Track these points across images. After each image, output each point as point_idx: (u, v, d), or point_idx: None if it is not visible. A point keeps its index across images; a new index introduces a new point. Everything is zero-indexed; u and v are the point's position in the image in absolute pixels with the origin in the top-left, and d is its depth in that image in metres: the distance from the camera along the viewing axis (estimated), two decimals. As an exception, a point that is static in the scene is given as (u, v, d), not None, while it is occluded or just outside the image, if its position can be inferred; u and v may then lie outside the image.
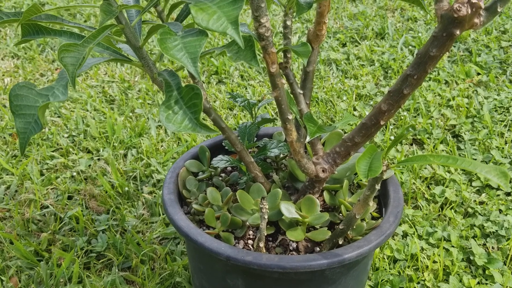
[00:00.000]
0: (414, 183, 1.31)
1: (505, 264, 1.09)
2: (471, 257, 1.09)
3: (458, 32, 0.60)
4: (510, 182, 1.31)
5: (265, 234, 0.77)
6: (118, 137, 1.50)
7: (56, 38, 0.69)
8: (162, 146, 1.49)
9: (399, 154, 1.42)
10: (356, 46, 2.09)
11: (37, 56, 2.03)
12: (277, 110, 0.81)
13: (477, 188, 1.30)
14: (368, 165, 0.63)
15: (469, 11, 0.58)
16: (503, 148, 1.42)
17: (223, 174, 0.97)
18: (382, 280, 1.05)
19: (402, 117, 1.57)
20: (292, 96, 0.84)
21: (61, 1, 2.57)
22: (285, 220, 0.82)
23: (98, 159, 1.44)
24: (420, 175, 1.34)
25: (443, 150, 1.44)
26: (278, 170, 0.97)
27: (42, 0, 2.57)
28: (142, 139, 1.50)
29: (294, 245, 0.82)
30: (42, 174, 1.39)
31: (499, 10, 0.59)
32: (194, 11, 0.51)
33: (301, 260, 0.71)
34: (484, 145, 1.44)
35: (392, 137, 1.49)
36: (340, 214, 0.87)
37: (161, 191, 1.30)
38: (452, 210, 1.23)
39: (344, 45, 2.11)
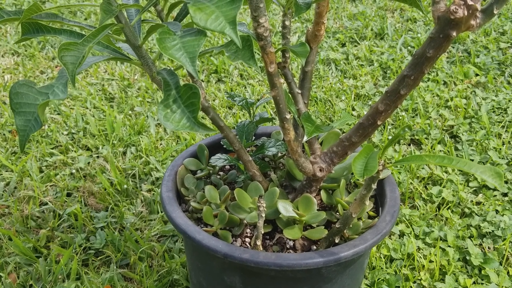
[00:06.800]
0: (411, 183, 1.32)
1: (501, 264, 1.10)
2: (467, 257, 1.10)
3: (454, 34, 0.61)
4: (506, 182, 1.32)
5: (262, 232, 0.78)
6: (118, 135, 1.51)
7: (56, 37, 0.69)
8: (161, 144, 1.50)
9: (397, 154, 1.42)
10: (356, 46, 2.09)
11: (37, 53, 2.03)
12: (275, 109, 0.82)
13: (474, 188, 1.30)
14: (364, 165, 0.63)
15: (466, 13, 0.58)
16: (500, 149, 1.43)
17: (221, 173, 0.98)
18: (378, 279, 1.05)
19: (400, 117, 1.58)
20: (290, 95, 0.84)
21: (62, -2, 2.58)
22: (282, 219, 0.83)
23: (97, 157, 1.45)
24: (418, 175, 1.35)
25: (440, 151, 1.45)
26: (276, 169, 0.98)
27: (43, -2, 2.57)
28: (141, 137, 1.50)
29: (291, 243, 0.83)
30: (41, 171, 1.40)
31: (495, 12, 0.60)
32: (193, 11, 0.52)
33: (297, 258, 0.72)
34: (482, 146, 1.44)
35: (390, 137, 1.50)
36: (337, 213, 0.87)
37: (159, 189, 1.31)
38: (449, 210, 1.23)
39: (343, 45, 2.11)
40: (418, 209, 1.25)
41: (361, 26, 2.22)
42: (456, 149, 1.46)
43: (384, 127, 1.55)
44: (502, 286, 1.04)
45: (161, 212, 1.24)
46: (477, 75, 1.82)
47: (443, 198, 1.26)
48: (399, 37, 2.11)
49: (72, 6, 0.64)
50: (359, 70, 1.87)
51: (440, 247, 1.12)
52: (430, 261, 1.10)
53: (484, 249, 1.13)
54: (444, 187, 1.31)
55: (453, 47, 2.01)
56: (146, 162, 1.42)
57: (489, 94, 1.69)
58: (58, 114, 1.65)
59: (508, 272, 1.08)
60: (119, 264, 1.11)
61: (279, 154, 0.99)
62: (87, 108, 1.68)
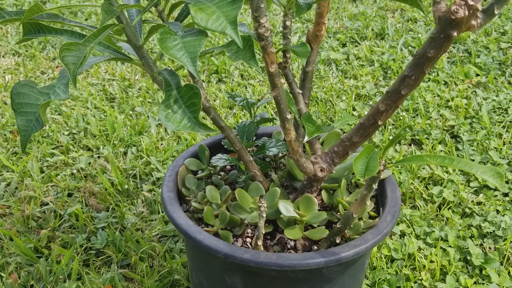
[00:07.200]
0: (412, 183, 1.32)
1: (502, 264, 1.10)
2: (468, 257, 1.10)
3: (455, 34, 0.61)
4: (507, 182, 1.32)
5: (263, 233, 0.78)
6: (118, 135, 1.51)
7: (57, 37, 0.69)
8: (162, 144, 1.50)
9: (398, 154, 1.42)
10: (356, 46, 2.09)
11: (38, 53, 2.03)
12: (276, 109, 0.82)
13: (475, 188, 1.30)
14: (365, 165, 0.63)
15: (467, 13, 0.58)
16: (501, 149, 1.43)
17: (222, 173, 0.98)
18: (379, 279, 1.05)
19: (401, 117, 1.58)
20: (291, 95, 0.84)
21: (62, -1, 2.58)
22: (283, 219, 0.83)
23: (98, 157, 1.45)
24: (418, 175, 1.35)
25: (441, 151, 1.45)
26: (276, 169, 0.98)
27: (43, -2, 2.57)
28: (142, 137, 1.50)
29: (292, 243, 0.83)
30: (42, 171, 1.40)
31: (496, 12, 0.60)
32: (194, 11, 0.52)
33: (298, 258, 0.72)
34: (482, 146, 1.44)
35: (391, 137, 1.50)
36: (338, 213, 0.87)
37: (160, 189, 1.31)
38: (449, 210, 1.23)
39: (344, 45, 2.11)
40: (419, 209, 1.25)
41: (362, 26, 2.22)
42: (457, 149, 1.46)
43: (385, 127, 1.55)
44: (503, 286, 1.04)
45: (162, 212, 1.24)
46: (477, 75, 1.82)
47: (444, 198, 1.26)
48: (400, 37, 2.11)
49: (73, 6, 0.64)
50: (360, 70, 1.87)
51: (441, 247, 1.12)
52: (431, 261, 1.10)
53: (485, 249, 1.13)
54: (445, 187, 1.31)
55: (454, 47, 2.01)
56: (147, 162, 1.42)
57: (489, 94, 1.69)
58: (59, 114, 1.65)
59: (509, 272, 1.08)
60: (120, 264, 1.11)
61: (280, 154, 0.99)
62: (88, 108, 1.68)
